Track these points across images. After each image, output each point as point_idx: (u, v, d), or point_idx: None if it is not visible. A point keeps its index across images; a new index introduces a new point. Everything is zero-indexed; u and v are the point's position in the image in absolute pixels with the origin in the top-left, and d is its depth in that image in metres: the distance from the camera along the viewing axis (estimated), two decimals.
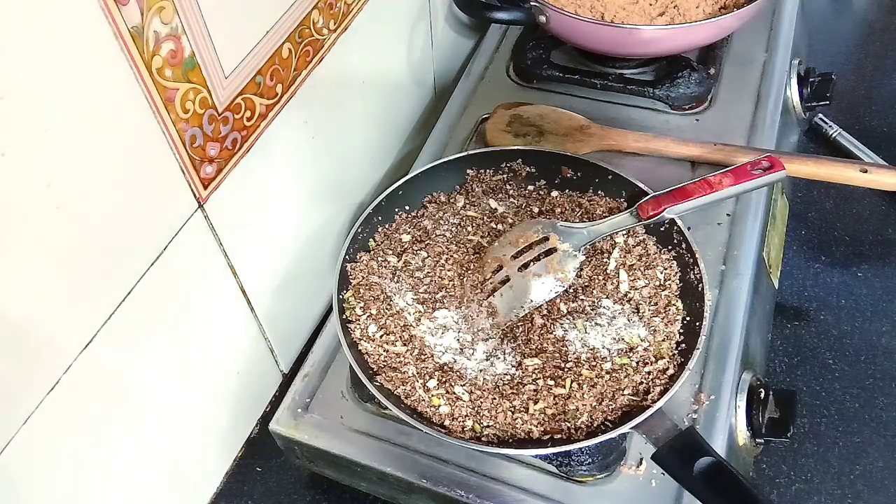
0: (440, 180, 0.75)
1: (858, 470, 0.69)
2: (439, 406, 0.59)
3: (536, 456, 0.59)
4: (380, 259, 0.69)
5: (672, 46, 0.82)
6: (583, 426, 0.57)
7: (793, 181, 0.83)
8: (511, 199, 0.74)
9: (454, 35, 0.97)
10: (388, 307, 0.65)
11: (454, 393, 0.60)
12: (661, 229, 0.68)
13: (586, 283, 0.66)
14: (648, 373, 0.60)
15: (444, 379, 0.61)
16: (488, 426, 0.58)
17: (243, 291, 0.64)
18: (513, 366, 0.62)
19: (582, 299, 0.65)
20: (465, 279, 0.67)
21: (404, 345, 0.63)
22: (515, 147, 0.76)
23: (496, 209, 0.73)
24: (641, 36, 0.77)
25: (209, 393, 0.65)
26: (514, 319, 0.65)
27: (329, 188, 0.74)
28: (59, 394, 0.47)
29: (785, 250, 0.83)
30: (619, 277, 0.66)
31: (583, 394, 0.59)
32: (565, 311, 0.64)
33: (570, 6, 0.85)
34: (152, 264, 0.52)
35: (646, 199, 0.67)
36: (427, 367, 0.61)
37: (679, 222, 0.66)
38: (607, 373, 0.60)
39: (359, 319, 0.65)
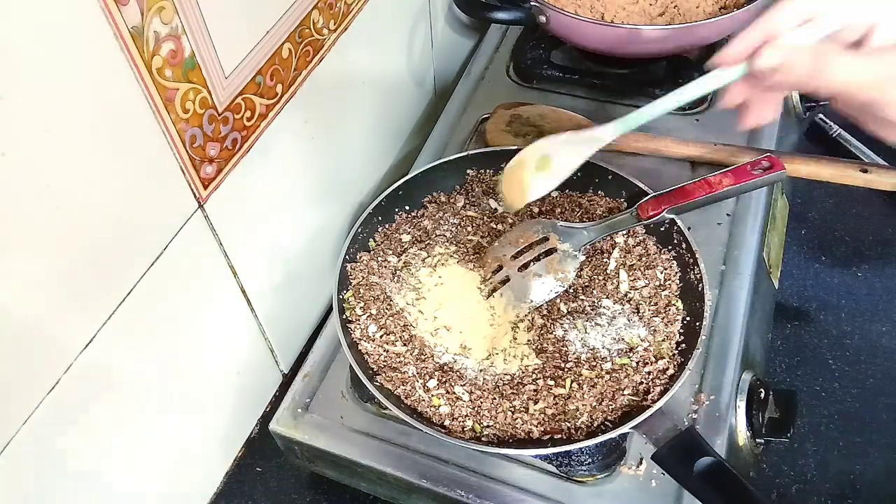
0: (440, 180, 0.75)
1: (858, 470, 0.69)
2: (439, 406, 0.59)
3: (536, 456, 0.59)
4: (380, 259, 0.69)
5: (672, 46, 0.82)
6: (583, 426, 0.57)
7: (793, 181, 0.83)
8: None
9: (454, 35, 0.97)
10: (388, 307, 0.65)
11: (454, 393, 0.60)
12: (661, 229, 0.68)
13: (586, 283, 0.66)
14: (648, 373, 0.60)
15: (444, 379, 0.61)
16: (488, 426, 0.58)
17: (243, 291, 0.64)
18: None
19: (582, 299, 0.65)
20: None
21: (404, 345, 0.63)
22: (515, 147, 0.76)
23: (496, 209, 0.73)
24: (641, 36, 0.77)
25: (209, 393, 0.65)
26: (514, 319, 0.65)
27: (329, 188, 0.74)
28: (59, 393, 0.47)
29: (785, 250, 0.83)
30: (619, 277, 0.66)
31: (583, 394, 0.59)
32: (565, 311, 0.64)
33: (570, 6, 0.85)
34: (152, 264, 0.52)
35: (646, 199, 0.67)
36: (427, 367, 0.61)
37: (679, 222, 0.66)
38: (607, 373, 0.60)
39: (359, 319, 0.65)
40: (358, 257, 0.69)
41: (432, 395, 0.60)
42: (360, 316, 0.65)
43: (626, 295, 0.65)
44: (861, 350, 0.77)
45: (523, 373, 0.61)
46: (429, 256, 0.69)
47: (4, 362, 0.42)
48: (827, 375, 0.76)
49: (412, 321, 0.65)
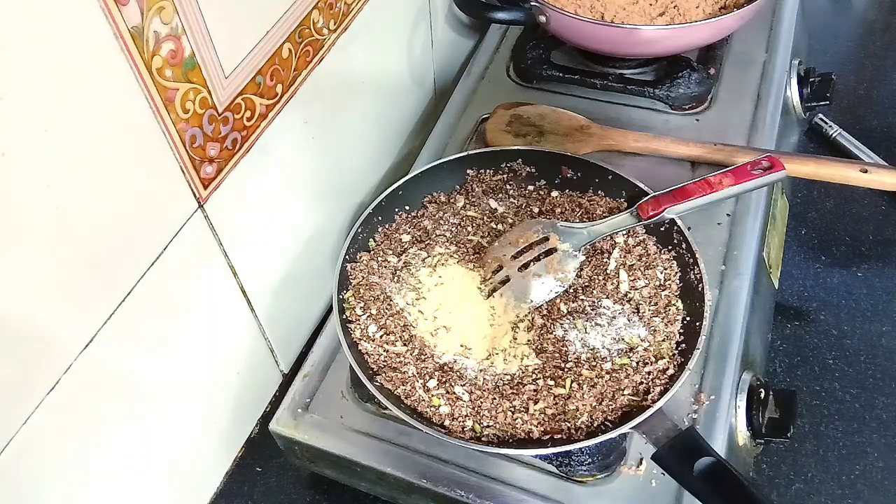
0: (440, 180, 0.75)
1: (858, 470, 0.69)
2: (439, 406, 0.59)
3: (536, 456, 0.59)
4: (380, 259, 0.69)
5: (672, 46, 0.82)
6: (583, 426, 0.57)
7: (793, 181, 0.83)
8: (511, 199, 0.74)
9: (454, 35, 0.97)
10: (388, 307, 0.65)
11: (454, 393, 0.60)
12: (661, 229, 0.68)
13: (586, 283, 0.66)
14: (648, 373, 0.60)
15: (444, 379, 0.61)
16: (488, 426, 0.58)
17: (243, 291, 0.64)
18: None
19: (582, 299, 0.65)
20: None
21: (404, 345, 0.63)
22: (515, 147, 0.76)
23: (496, 209, 0.73)
24: (641, 36, 0.77)
25: (209, 393, 0.65)
26: (514, 319, 0.65)
27: (329, 188, 0.74)
28: (59, 394, 0.47)
29: (785, 250, 0.83)
30: (619, 277, 0.66)
31: (583, 394, 0.59)
32: (565, 311, 0.64)
33: (570, 6, 0.85)
34: (152, 264, 0.52)
35: (646, 199, 0.67)
36: (427, 367, 0.61)
37: (679, 222, 0.66)
38: (607, 373, 0.60)
39: (359, 319, 0.65)
40: (358, 257, 0.69)
41: (432, 395, 0.60)
42: (360, 316, 0.65)
43: (626, 295, 0.65)
44: (861, 350, 0.77)
45: (523, 373, 0.61)
46: (429, 256, 0.69)
47: (4, 362, 0.42)
48: (827, 375, 0.76)
49: (412, 321, 0.65)
